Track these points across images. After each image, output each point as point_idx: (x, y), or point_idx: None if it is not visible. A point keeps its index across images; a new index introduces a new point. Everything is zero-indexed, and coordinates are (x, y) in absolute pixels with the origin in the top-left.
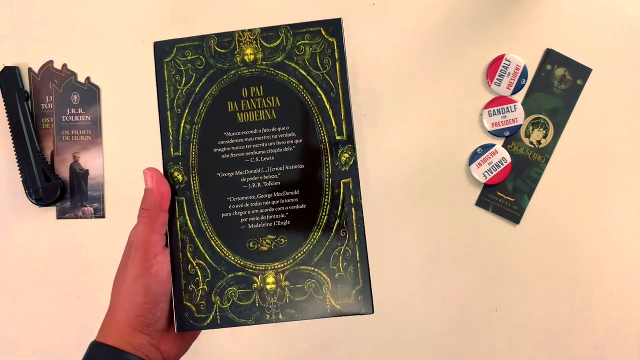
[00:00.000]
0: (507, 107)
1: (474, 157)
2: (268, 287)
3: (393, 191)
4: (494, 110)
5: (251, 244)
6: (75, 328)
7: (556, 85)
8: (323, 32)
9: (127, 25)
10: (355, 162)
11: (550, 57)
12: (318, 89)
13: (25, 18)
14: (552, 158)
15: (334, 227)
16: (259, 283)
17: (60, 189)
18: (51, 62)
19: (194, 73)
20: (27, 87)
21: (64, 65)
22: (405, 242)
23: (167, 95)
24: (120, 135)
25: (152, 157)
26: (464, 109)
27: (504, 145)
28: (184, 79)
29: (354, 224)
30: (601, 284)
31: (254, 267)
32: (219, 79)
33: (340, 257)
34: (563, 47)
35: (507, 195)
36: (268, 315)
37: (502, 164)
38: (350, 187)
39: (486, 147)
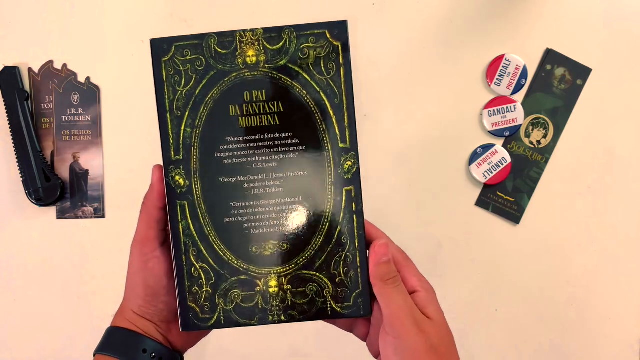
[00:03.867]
0: (507, 107)
1: (474, 157)
2: (271, 290)
3: (393, 191)
4: (494, 110)
5: (254, 249)
6: (74, 328)
7: (556, 85)
8: (328, 35)
9: (127, 25)
10: (358, 170)
11: (550, 57)
12: (322, 94)
13: (25, 18)
14: (552, 158)
15: (336, 234)
16: (261, 286)
17: (60, 189)
18: (51, 62)
19: (193, 74)
20: (27, 87)
21: (64, 65)
22: (405, 242)
23: (167, 96)
24: (120, 135)
25: (152, 157)
26: (464, 109)
27: (504, 145)
28: (183, 80)
29: (355, 231)
30: (601, 284)
31: (257, 270)
32: (220, 82)
33: (342, 263)
34: (563, 47)
35: (507, 195)
36: (271, 317)
37: (502, 164)
38: (353, 194)
39: (486, 147)
